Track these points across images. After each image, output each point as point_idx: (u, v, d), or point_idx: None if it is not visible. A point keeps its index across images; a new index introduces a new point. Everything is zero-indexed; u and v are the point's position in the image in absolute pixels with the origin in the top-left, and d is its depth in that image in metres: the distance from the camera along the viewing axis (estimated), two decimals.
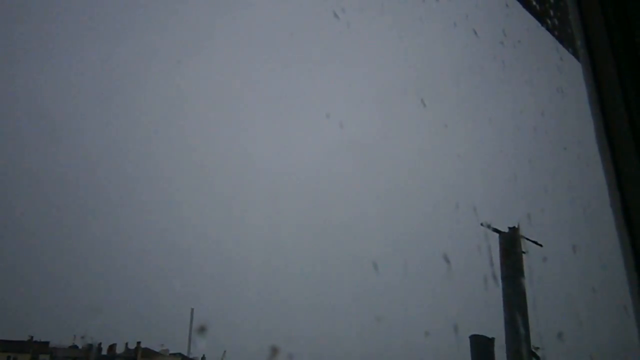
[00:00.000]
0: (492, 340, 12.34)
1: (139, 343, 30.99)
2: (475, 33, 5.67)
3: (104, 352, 30.78)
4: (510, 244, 12.75)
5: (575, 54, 2.24)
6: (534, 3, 2.98)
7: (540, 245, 10.29)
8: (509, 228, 13.11)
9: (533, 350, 11.53)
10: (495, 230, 12.24)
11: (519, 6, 3.00)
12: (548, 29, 2.93)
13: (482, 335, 12.18)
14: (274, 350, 4.96)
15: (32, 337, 29.54)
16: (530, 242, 12.16)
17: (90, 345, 30.29)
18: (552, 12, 2.89)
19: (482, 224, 9.18)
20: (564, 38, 2.74)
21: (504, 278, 11.80)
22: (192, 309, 22.26)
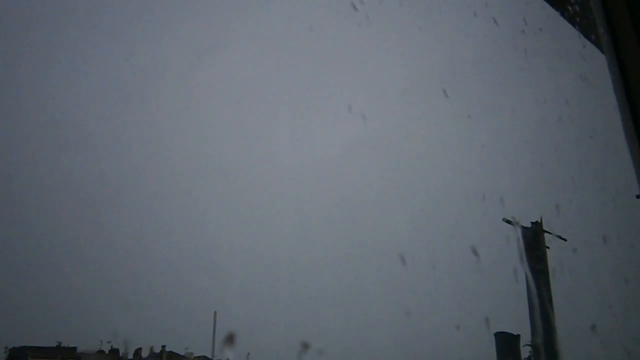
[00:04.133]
0: (517, 337, 12.20)
1: (163, 347, 31.19)
2: (496, 22, 5.58)
3: (130, 356, 31.17)
4: (534, 239, 12.62)
5: (597, 41, 2.18)
6: None
7: (565, 240, 10.12)
8: (532, 223, 12.98)
9: (529, 345, 11.42)
10: (518, 225, 12.10)
11: None
12: (569, 17, 2.86)
13: (507, 333, 12.06)
14: (305, 346, 4.93)
15: (60, 343, 29.95)
16: (555, 237, 12.00)
17: (116, 350, 30.75)
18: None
19: (506, 220, 9.08)
20: (585, 25, 2.67)
21: (529, 272, 11.65)
22: (215, 312, 22.35)
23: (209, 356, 29.87)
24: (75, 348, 30.22)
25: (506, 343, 12.12)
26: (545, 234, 13.12)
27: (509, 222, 9.40)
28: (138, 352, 30.99)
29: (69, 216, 33.46)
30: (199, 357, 30.35)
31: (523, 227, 12.57)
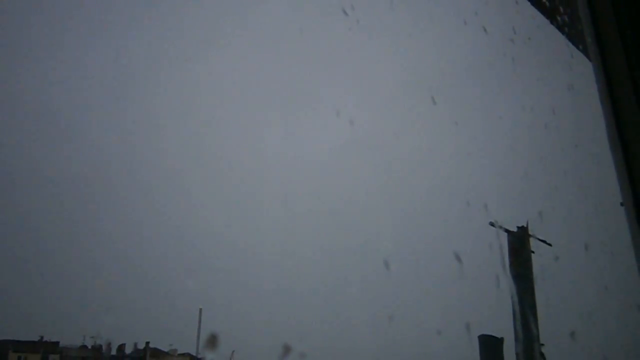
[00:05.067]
0: (501, 340, 12.23)
1: (147, 343, 31.04)
2: (485, 30, 5.64)
3: (113, 352, 30.92)
4: (519, 243, 12.69)
5: (585, 51, 2.22)
6: (544, 0, 2.96)
7: (550, 245, 10.21)
8: (518, 227, 13.05)
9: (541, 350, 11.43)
10: (505, 229, 12.17)
11: (529, 3, 2.98)
12: (558, 27, 2.90)
13: (491, 335, 12.09)
14: (286, 349, 4.93)
15: (42, 337, 29.72)
16: (540, 242, 12.09)
17: (100, 345, 30.47)
18: (562, 9, 2.87)
19: (490, 223, 9.13)
20: (574, 35, 2.72)
21: (513, 277, 11.72)
22: (201, 309, 22.24)
23: (193, 353, 29.75)
24: (57, 342, 29.94)
25: (490, 346, 12.13)
26: (531, 239, 13.22)
27: (496, 226, 9.46)
28: (121, 347, 30.77)
29: (55, 211, 33.10)
30: (183, 354, 30.22)
31: (508, 231, 12.65)
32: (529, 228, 13.11)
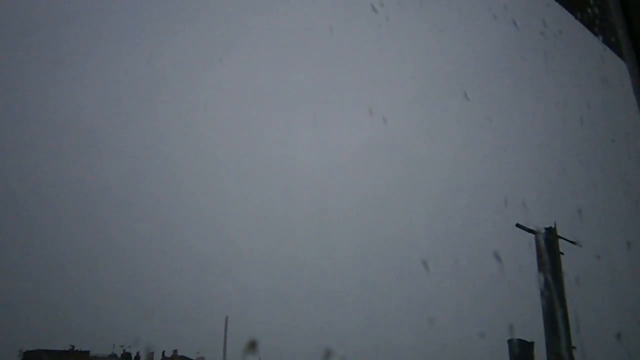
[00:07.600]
0: (531, 344, 11.91)
1: (175, 351, 31.26)
2: (516, 24, 5.52)
3: None
4: (548, 245, 12.44)
5: (617, 46, 2.12)
6: None
7: (580, 246, 9.92)
8: (546, 229, 12.78)
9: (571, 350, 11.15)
10: (531, 231, 11.91)
11: None
12: (587, 20, 2.80)
13: (521, 339, 11.79)
14: (327, 353, 4.91)
15: (73, 347, 30.18)
16: (570, 243, 11.82)
17: (129, 354, 30.90)
18: (591, 1, 2.76)
19: (517, 225, 8.94)
20: (605, 29, 2.60)
21: (544, 278, 11.47)
22: (227, 317, 22.27)
23: None
24: (88, 352, 30.44)
25: (520, 350, 11.85)
26: (561, 240, 12.97)
27: (523, 228, 9.26)
28: (150, 356, 31.12)
29: (83, 222, 33.73)
30: None
31: (537, 233, 12.39)
32: (561, 229, 12.86)
